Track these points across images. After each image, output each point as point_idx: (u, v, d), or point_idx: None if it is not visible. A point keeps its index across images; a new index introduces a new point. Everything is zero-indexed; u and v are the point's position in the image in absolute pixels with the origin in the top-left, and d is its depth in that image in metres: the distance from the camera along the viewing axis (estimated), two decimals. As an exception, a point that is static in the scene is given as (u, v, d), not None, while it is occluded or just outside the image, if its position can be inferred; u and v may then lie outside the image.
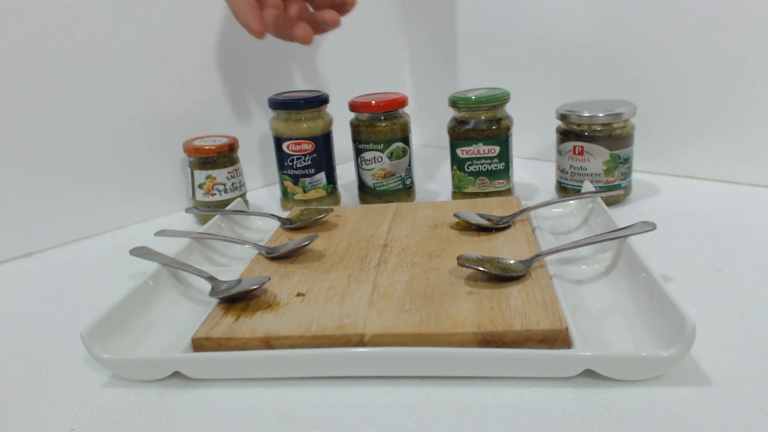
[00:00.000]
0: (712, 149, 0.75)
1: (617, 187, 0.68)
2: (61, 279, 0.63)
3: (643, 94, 0.77)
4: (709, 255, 0.56)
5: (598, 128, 0.66)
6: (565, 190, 0.71)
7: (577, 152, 0.68)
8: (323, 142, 0.73)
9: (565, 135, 0.69)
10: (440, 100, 0.81)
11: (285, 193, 0.75)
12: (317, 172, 0.74)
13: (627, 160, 0.68)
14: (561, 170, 0.71)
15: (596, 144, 0.67)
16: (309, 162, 0.73)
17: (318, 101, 0.71)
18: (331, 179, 0.75)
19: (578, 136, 0.68)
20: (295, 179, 0.74)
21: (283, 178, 0.75)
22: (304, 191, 0.74)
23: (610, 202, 0.69)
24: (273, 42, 0.85)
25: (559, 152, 0.71)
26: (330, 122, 0.74)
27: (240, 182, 0.76)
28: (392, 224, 0.62)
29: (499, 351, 0.40)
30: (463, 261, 0.47)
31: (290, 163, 0.73)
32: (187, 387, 0.42)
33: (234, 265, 0.60)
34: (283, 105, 0.71)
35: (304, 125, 0.71)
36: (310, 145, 0.72)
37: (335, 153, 0.76)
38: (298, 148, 0.72)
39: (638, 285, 0.46)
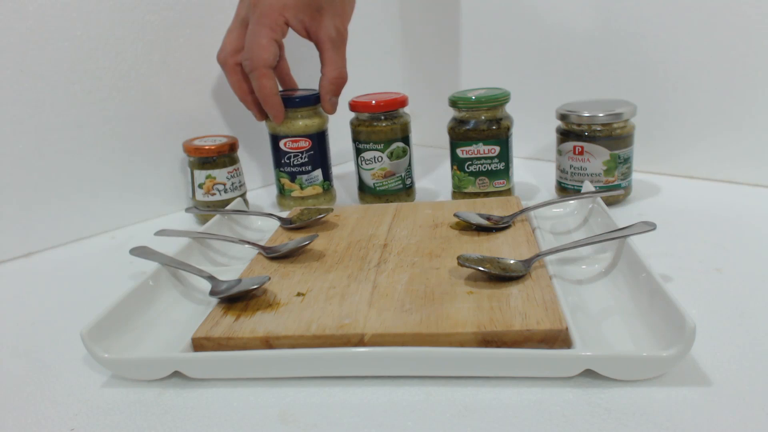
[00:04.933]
0: (713, 149, 0.75)
1: (617, 187, 0.68)
2: (61, 279, 0.63)
3: (643, 94, 0.77)
4: (709, 255, 0.56)
5: (598, 128, 0.66)
6: (565, 190, 0.71)
7: (577, 152, 0.68)
8: (319, 140, 0.73)
9: (565, 135, 0.69)
10: (440, 100, 0.81)
11: (282, 191, 0.76)
12: (314, 169, 0.74)
13: (627, 160, 0.68)
14: (561, 170, 0.71)
15: (596, 144, 0.67)
16: (306, 159, 0.73)
17: (314, 99, 0.71)
18: (327, 176, 0.75)
19: (578, 136, 0.68)
20: (292, 176, 0.74)
21: (279, 175, 0.75)
22: (301, 188, 0.74)
23: (610, 202, 0.69)
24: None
25: (559, 152, 0.71)
26: (326, 120, 0.74)
27: (240, 182, 0.76)
28: (392, 224, 0.62)
29: (499, 351, 0.40)
30: (463, 261, 0.47)
31: (287, 161, 0.73)
32: (187, 387, 0.42)
33: (234, 265, 0.60)
34: (280, 103, 0.71)
35: (301, 123, 0.71)
36: (307, 143, 0.72)
37: (334, 152, 0.76)
38: (295, 145, 0.72)
39: (638, 285, 0.46)
